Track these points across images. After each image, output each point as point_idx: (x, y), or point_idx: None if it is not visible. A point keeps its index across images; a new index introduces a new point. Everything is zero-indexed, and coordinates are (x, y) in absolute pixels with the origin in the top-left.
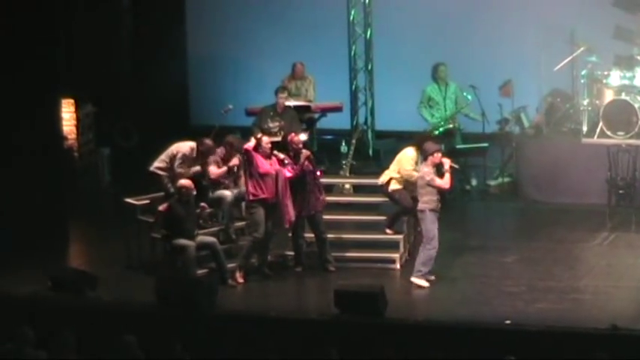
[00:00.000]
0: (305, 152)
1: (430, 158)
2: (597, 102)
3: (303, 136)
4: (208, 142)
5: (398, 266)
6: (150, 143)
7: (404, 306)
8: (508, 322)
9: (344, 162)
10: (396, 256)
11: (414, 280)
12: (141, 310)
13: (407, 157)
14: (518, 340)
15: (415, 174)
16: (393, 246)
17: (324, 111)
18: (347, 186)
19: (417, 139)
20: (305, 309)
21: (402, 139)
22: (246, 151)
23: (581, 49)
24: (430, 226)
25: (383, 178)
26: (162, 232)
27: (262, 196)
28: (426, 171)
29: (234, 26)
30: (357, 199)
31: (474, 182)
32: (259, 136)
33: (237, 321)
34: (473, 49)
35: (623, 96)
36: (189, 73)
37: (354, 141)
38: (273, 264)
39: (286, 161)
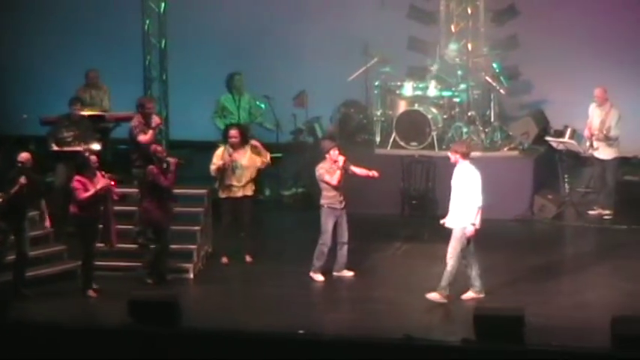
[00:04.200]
0: (173, 160)
1: (327, 156)
2: (391, 112)
3: (96, 146)
4: None
5: (192, 276)
6: None
7: (198, 315)
8: (302, 331)
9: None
10: (190, 266)
11: (311, 274)
12: None
13: (214, 155)
14: (312, 349)
15: (213, 167)
16: (187, 256)
17: (119, 121)
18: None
19: (223, 136)
20: (100, 319)
21: (196, 148)
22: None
23: (375, 59)
24: (324, 220)
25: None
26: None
27: (82, 215)
28: (319, 166)
29: (28, 36)
30: None
31: (267, 192)
32: (87, 154)
33: (29, 331)
34: (267, 60)
35: (417, 107)
36: None
37: None
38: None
39: (112, 182)
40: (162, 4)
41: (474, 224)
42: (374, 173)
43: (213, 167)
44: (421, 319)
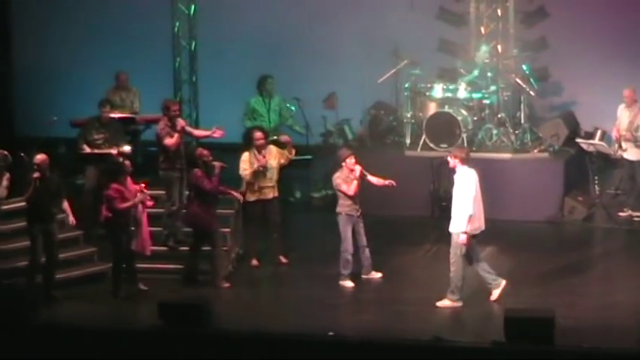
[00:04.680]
0: (218, 164)
1: (343, 164)
2: (421, 114)
3: (127, 148)
4: None
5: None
6: None
7: (228, 317)
8: (331, 333)
9: None
10: None
11: (341, 283)
12: None
13: (241, 160)
14: (340, 351)
15: (247, 172)
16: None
17: (149, 123)
18: None
19: (245, 139)
20: (130, 321)
21: (225, 150)
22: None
23: (405, 61)
24: (342, 228)
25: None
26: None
27: (114, 219)
28: (335, 176)
29: (60, 38)
30: None
31: (297, 194)
32: (122, 160)
33: (59, 333)
34: (297, 62)
35: (447, 108)
36: (15, 84)
37: None
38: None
39: (146, 190)
40: (192, 7)
41: (465, 232)
42: (391, 182)
43: (246, 172)
44: (450, 320)
